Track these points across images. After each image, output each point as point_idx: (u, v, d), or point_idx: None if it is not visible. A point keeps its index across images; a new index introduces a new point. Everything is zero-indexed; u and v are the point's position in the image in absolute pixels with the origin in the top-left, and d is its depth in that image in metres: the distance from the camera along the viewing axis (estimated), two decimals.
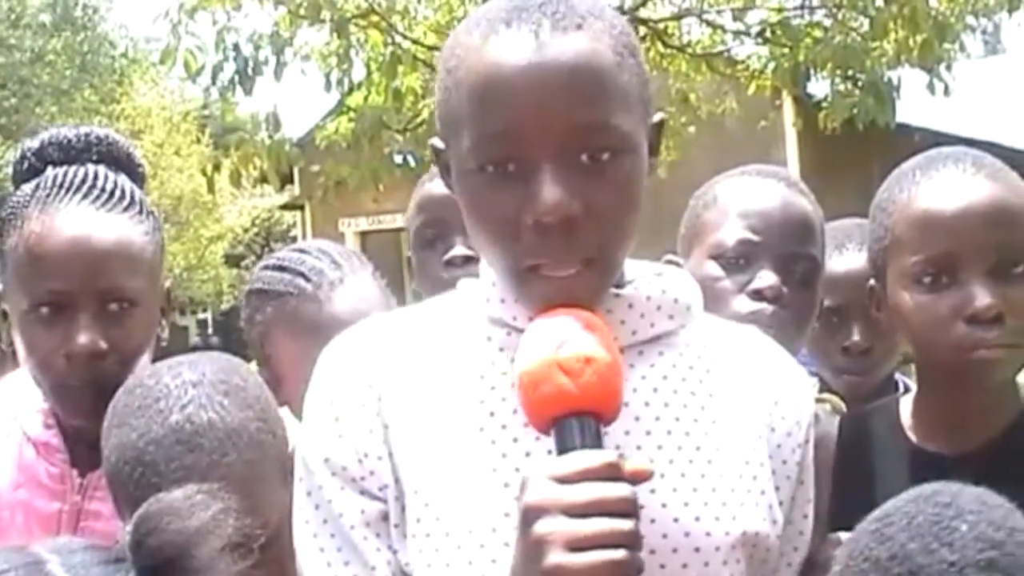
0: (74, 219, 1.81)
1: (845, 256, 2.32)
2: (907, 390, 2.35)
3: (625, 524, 1.17)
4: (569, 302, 1.30)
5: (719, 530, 1.36)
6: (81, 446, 1.86)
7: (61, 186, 1.85)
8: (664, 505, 1.34)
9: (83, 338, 1.76)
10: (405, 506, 1.37)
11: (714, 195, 1.97)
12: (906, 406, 1.72)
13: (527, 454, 1.33)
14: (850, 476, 1.49)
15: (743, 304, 1.84)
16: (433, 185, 2.53)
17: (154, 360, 1.92)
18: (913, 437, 1.68)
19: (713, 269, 1.89)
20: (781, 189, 1.93)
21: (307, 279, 2.04)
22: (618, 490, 1.18)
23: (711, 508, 1.36)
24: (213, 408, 1.63)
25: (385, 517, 1.38)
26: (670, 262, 1.84)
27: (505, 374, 1.37)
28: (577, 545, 1.16)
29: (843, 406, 2.13)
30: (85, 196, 1.83)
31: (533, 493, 1.20)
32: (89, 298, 1.78)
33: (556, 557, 1.16)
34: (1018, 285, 1.58)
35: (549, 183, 1.28)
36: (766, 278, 1.86)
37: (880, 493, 1.55)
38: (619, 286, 1.40)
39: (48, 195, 1.84)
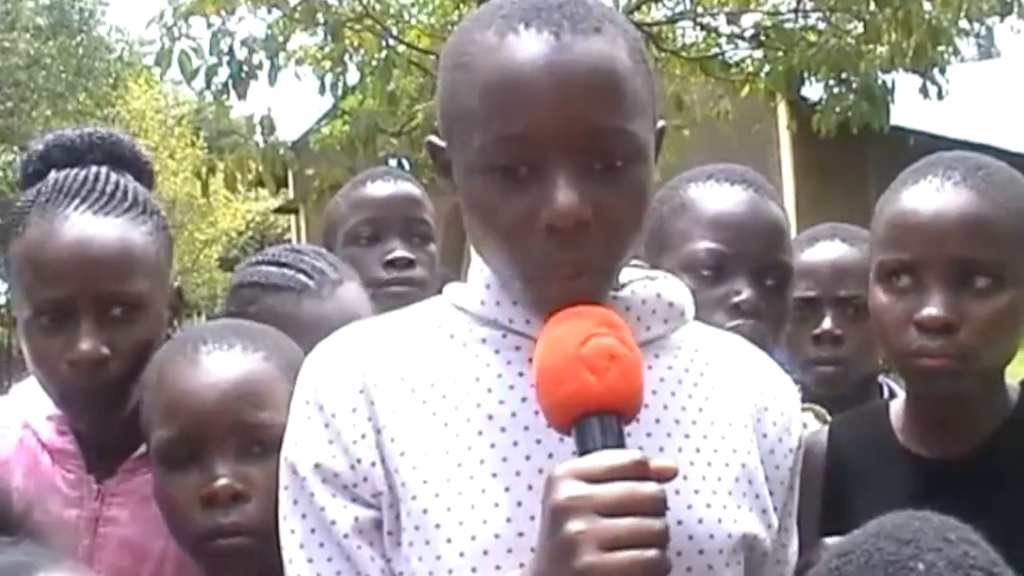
0: (72, 225, 1.78)
1: (816, 247, 2.33)
2: (892, 394, 2.34)
3: (656, 523, 1.16)
4: (574, 301, 1.28)
5: (721, 532, 1.35)
6: (97, 452, 1.84)
7: (60, 191, 1.82)
8: (667, 508, 1.31)
9: (85, 345, 1.74)
10: (399, 513, 1.33)
11: (681, 202, 1.93)
12: (896, 410, 1.72)
13: (527, 457, 1.31)
14: (842, 480, 1.49)
15: (722, 319, 1.80)
16: (375, 187, 2.57)
17: None
18: (903, 441, 1.68)
19: (686, 282, 1.86)
20: (750, 195, 1.90)
21: (309, 276, 2.03)
22: (648, 488, 1.17)
23: (713, 510, 1.35)
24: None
25: (378, 525, 1.34)
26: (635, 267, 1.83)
27: (501, 376, 1.35)
28: (611, 544, 1.14)
29: (827, 415, 2.09)
30: (84, 200, 1.81)
31: (562, 491, 1.17)
32: (89, 304, 1.75)
33: (589, 556, 1.14)
34: (979, 299, 1.57)
35: (564, 187, 1.25)
36: (743, 293, 1.84)
37: (872, 496, 1.56)
38: (616, 289, 1.39)
39: (47, 200, 1.81)
